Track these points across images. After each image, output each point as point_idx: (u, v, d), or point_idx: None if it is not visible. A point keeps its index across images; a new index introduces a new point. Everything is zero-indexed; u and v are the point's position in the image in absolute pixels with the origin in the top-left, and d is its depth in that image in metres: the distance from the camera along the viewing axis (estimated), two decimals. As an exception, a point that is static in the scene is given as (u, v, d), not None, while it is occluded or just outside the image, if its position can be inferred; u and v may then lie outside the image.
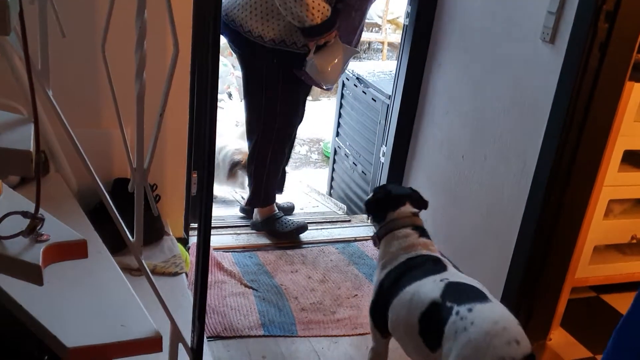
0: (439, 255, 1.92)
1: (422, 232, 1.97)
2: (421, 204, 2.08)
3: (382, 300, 1.89)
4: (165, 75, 1.24)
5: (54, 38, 1.24)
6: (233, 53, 2.85)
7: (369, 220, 2.18)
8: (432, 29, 2.90)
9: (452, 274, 1.81)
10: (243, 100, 2.91)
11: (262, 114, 2.80)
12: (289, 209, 3.33)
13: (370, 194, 2.17)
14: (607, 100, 2.17)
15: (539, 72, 2.26)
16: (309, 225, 3.15)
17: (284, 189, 3.27)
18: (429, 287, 1.73)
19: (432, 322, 1.68)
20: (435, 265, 1.85)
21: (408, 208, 2.01)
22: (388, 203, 2.04)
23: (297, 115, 2.91)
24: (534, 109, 2.29)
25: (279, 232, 3.05)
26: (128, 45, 1.24)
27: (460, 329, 1.56)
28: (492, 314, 1.58)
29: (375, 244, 2.07)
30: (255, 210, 3.10)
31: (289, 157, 3.16)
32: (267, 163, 2.92)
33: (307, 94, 2.98)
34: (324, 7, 2.45)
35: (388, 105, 3.22)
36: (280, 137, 2.87)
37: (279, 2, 2.46)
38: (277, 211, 3.11)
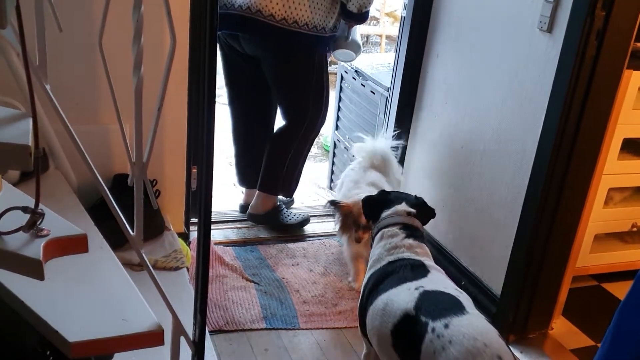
0: (423, 259, 1.81)
1: (412, 232, 1.88)
2: (424, 210, 1.99)
3: (362, 305, 1.83)
4: (162, 69, 1.24)
5: (50, 33, 1.24)
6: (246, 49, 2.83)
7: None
8: (429, 20, 2.90)
9: (430, 281, 1.71)
10: (278, 93, 2.95)
11: (312, 99, 2.89)
12: (289, 202, 3.33)
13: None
14: (605, 88, 2.17)
15: (537, 62, 2.26)
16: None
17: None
18: (403, 297, 1.65)
19: (406, 337, 1.59)
20: (413, 271, 1.75)
21: (403, 207, 1.95)
22: (384, 202, 1.99)
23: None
24: (532, 98, 2.29)
25: (284, 224, 3.06)
26: (125, 39, 1.24)
27: (438, 349, 1.47)
28: (470, 329, 1.49)
29: (371, 246, 2.00)
30: (256, 202, 3.06)
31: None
32: (305, 150, 3.04)
33: None
34: None
35: (387, 97, 3.22)
36: (322, 123, 3.01)
37: None
38: (280, 203, 3.12)
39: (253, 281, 2.62)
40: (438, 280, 1.73)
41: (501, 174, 2.49)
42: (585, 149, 2.23)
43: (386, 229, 1.90)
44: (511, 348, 2.40)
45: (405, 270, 1.76)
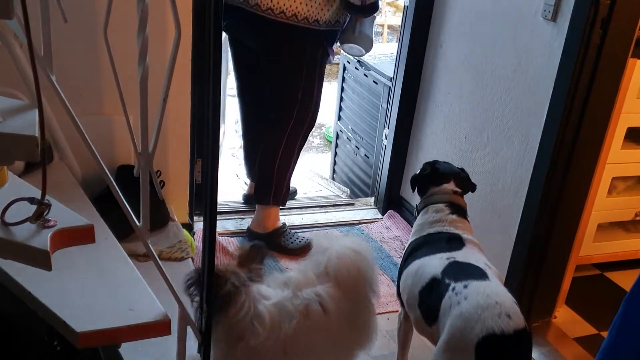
0: (461, 232, 1.92)
1: (456, 209, 1.98)
2: (468, 185, 2.09)
3: (400, 269, 1.96)
4: (166, 60, 1.24)
5: (54, 24, 1.24)
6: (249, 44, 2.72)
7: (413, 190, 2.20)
8: (432, 9, 2.89)
9: (464, 254, 1.82)
10: (267, 86, 2.76)
11: (299, 99, 2.68)
12: (291, 193, 3.26)
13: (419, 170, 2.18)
14: (609, 77, 2.16)
15: (541, 51, 2.25)
16: (312, 208, 3.16)
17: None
18: (434, 264, 1.78)
19: (430, 297, 1.73)
20: (448, 243, 1.87)
21: (451, 186, 2.03)
22: (432, 179, 2.06)
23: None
24: (536, 87, 2.29)
25: (285, 247, 2.83)
26: (129, 29, 1.24)
27: (454, 302, 1.61)
28: (487, 289, 1.61)
29: (415, 217, 2.12)
30: (257, 217, 2.87)
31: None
32: (294, 155, 2.81)
33: None
34: None
35: (390, 87, 3.21)
36: (313, 122, 2.80)
37: None
38: (283, 223, 2.91)
39: (257, 271, 2.63)
40: (470, 254, 1.83)
41: (505, 164, 2.49)
42: (589, 138, 2.23)
43: (432, 205, 2.00)
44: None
45: (442, 241, 1.89)
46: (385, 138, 3.24)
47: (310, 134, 2.92)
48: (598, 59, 2.10)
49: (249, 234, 2.88)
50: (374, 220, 3.22)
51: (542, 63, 2.25)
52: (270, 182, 2.80)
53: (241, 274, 1.68)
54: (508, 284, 2.46)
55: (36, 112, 1.12)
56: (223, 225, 2.96)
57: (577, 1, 2.08)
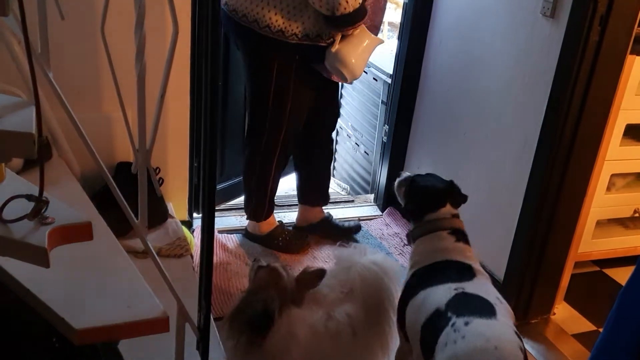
0: (473, 263, 1.77)
1: (461, 236, 1.84)
2: (460, 199, 1.95)
3: (402, 301, 1.81)
4: (164, 56, 1.24)
5: (52, 20, 1.24)
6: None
7: (402, 215, 2.08)
8: (432, 6, 2.88)
9: (474, 285, 1.68)
10: (248, 101, 2.64)
11: (270, 115, 2.50)
12: (355, 228, 3.02)
13: (402, 188, 2.01)
14: (608, 74, 2.16)
15: (540, 47, 2.25)
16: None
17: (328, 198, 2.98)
18: (440, 294, 1.63)
19: (431, 331, 1.58)
20: (459, 273, 1.72)
21: (448, 209, 1.88)
22: (427, 203, 1.89)
23: (299, 116, 2.59)
24: (535, 84, 2.29)
25: (283, 249, 2.79)
26: (127, 26, 1.24)
27: (450, 340, 1.46)
28: (488, 331, 1.46)
29: (408, 243, 1.96)
30: (252, 223, 2.83)
31: (330, 157, 2.91)
32: (272, 172, 2.65)
33: (334, 91, 2.72)
34: None
35: (389, 84, 3.21)
36: (287, 139, 2.59)
37: None
38: (279, 223, 2.85)
39: (256, 268, 2.63)
40: (481, 285, 1.69)
41: (504, 160, 2.49)
42: (588, 135, 2.23)
43: (434, 233, 1.84)
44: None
45: (451, 271, 1.74)
46: (385, 135, 3.24)
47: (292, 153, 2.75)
48: (597, 55, 2.10)
49: (245, 234, 2.86)
50: (373, 217, 3.22)
51: (541, 59, 2.25)
52: (248, 195, 2.73)
53: (276, 298, 1.72)
54: (507, 280, 2.47)
55: (34, 109, 1.12)
56: (223, 222, 2.97)
57: (576, -2, 2.08)
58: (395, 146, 3.19)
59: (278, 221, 2.85)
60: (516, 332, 1.49)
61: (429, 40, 2.95)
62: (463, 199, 1.96)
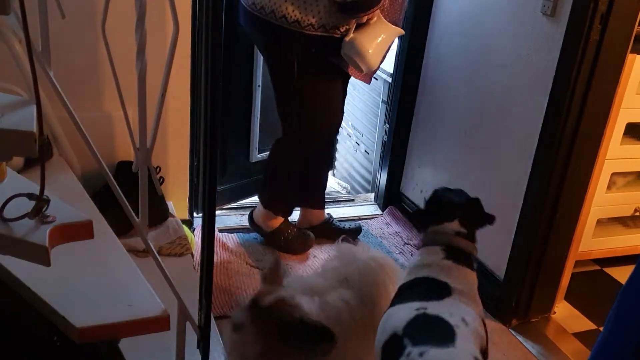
0: (451, 282, 1.61)
1: (452, 254, 1.68)
2: (480, 220, 1.78)
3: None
4: (164, 56, 1.24)
5: (52, 19, 1.24)
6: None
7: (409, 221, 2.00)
8: (432, 4, 2.88)
9: (439, 305, 1.53)
10: (275, 97, 2.60)
11: (293, 110, 2.50)
12: (356, 230, 3.00)
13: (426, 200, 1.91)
14: (609, 73, 2.16)
15: (540, 46, 2.25)
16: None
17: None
18: (401, 315, 1.52)
19: (389, 356, 1.47)
20: (430, 291, 1.59)
21: (453, 225, 1.72)
22: (433, 214, 1.78)
23: (332, 111, 2.57)
24: (536, 83, 2.29)
25: (285, 248, 2.76)
26: (128, 25, 1.24)
27: None
28: None
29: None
30: (260, 212, 2.79)
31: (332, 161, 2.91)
32: (292, 164, 2.64)
33: (346, 86, 2.64)
34: None
35: (390, 83, 3.21)
36: (313, 136, 2.56)
37: None
38: (282, 222, 2.79)
39: (257, 267, 2.63)
40: (448, 305, 1.54)
41: (504, 159, 2.49)
42: (589, 134, 2.23)
43: (428, 247, 1.73)
44: (514, 332, 2.43)
45: (423, 288, 1.62)
46: (386, 134, 3.24)
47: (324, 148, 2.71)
48: (597, 54, 2.10)
49: (250, 221, 2.84)
50: (374, 216, 3.22)
51: (541, 58, 2.25)
52: (265, 183, 2.74)
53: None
54: (508, 279, 2.47)
55: (35, 107, 1.12)
56: (223, 221, 2.97)
57: (576, -4, 2.08)
58: (396, 145, 3.19)
59: (284, 220, 2.82)
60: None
61: (429, 39, 2.95)
62: (483, 218, 1.80)
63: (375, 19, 2.28)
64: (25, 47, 1.04)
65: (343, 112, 2.68)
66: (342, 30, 2.30)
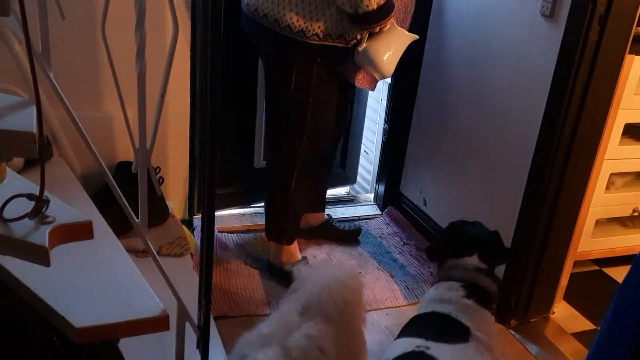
0: (473, 328, 1.49)
1: (476, 292, 1.57)
2: (499, 255, 1.69)
3: None
4: (164, 56, 1.25)
5: (52, 20, 1.24)
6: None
7: (428, 257, 1.83)
8: (431, 5, 2.88)
9: (447, 350, 1.42)
10: (265, 108, 2.52)
11: (292, 124, 2.36)
12: (355, 232, 2.99)
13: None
14: (607, 73, 2.16)
15: (539, 47, 2.26)
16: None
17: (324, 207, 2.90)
18: (397, 348, 1.44)
19: None
20: (443, 330, 1.47)
21: (473, 261, 1.62)
22: (452, 247, 1.68)
23: (336, 123, 2.46)
24: (535, 83, 2.29)
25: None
26: (127, 26, 1.25)
27: None
28: None
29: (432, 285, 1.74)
30: (274, 247, 2.62)
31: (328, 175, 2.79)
32: (291, 186, 2.45)
33: (349, 96, 2.55)
34: None
35: (389, 84, 3.21)
36: (313, 153, 2.42)
37: None
38: (299, 260, 2.61)
39: (256, 268, 2.64)
40: (459, 354, 1.43)
41: (503, 160, 2.49)
42: (587, 135, 2.23)
43: (446, 282, 1.61)
44: (512, 332, 2.44)
45: (436, 325, 1.50)
46: (385, 134, 3.24)
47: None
48: (596, 55, 2.10)
49: (268, 266, 2.62)
50: (373, 217, 3.23)
51: (540, 59, 2.26)
52: (268, 212, 2.61)
53: None
54: (507, 279, 2.48)
55: (34, 108, 1.13)
56: (223, 221, 2.97)
57: (575, -3, 2.08)
58: (395, 145, 3.19)
59: (303, 257, 2.65)
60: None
61: (428, 40, 2.95)
62: (503, 254, 1.73)
63: (388, 26, 2.20)
64: (24, 47, 1.05)
65: (347, 121, 2.61)
66: (348, 39, 2.22)
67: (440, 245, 1.74)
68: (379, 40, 2.21)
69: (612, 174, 2.62)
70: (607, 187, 2.65)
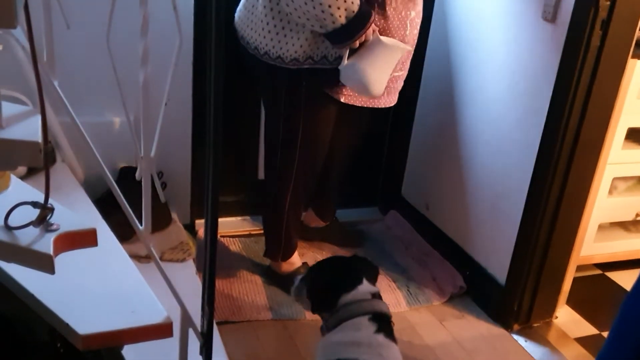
0: None
1: (384, 325, 1.48)
2: (374, 273, 1.64)
3: None
4: (168, 63, 1.26)
5: (57, 28, 1.25)
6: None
7: (312, 310, 1.65)
8: (433, 9, 2.89)
9: None
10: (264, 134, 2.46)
11: (285, 147, 2.28)
12: (359, 235, 2.98)
13: (304, 288, 1.68)
14: (609, 78, 2.17)
15: (541, 51, 2.26)
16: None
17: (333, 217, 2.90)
18: None
19: None
20: None
21: (366, 287, 1.54)
22: (339, 283, 1.55)
23: (322, 147, 2.37)
24: (537, 87, 2.29)
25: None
26: (131, 34, 1.25)
27: None
28: None
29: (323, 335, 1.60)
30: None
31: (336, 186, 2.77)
32: (286, 208, 2.42)
33: (354, 114, 2.37)
34: (345, 1, 1.85)
35: (391, 87, 3.21)
36: (301, 175, 2.35)
37: (289, 9, 1.92)
38: (300, 265, 2.60)
39: (258, 273, 2.64)
40: None
41: (505, 164, 2.50)
42: (590, 139, 2.24)
43: (350, 321, 1.49)
44: (515, 337, 2.44)
45: None
46: (386, 138, 3.25)
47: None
48: (598, 59, 2.11)
49: (267, 270, 2.64)
50: (375, 220, 3.23)
51: (542, 64, 2.26)
52: (265, 230, 2.59)
53: None
54: (509, 284, 2.48)
55: (39, 117, 1.13)
56: (225, 226, 2.97)
57: (577, 2, 2.08)
58: (397, 149, 3.19)
59: (303, 262, 2.63)
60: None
61: (429, 43, 2.95)
62: (375, 271, 1.66)
63: (370, 38, 1.99)
64: (29, 55, 1.05)
65: (354, 137, 2.58)
66: (331, 59, 2.07)
67: (325, 290, 1.58)
68: (361, 55, 1.99)
69: (614, 179, 2.63)
70: (610, 192, 2.65)
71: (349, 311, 1.49)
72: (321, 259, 2.77)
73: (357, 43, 1.97)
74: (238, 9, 2.23)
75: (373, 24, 1.98)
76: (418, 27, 2.24)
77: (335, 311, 1.52)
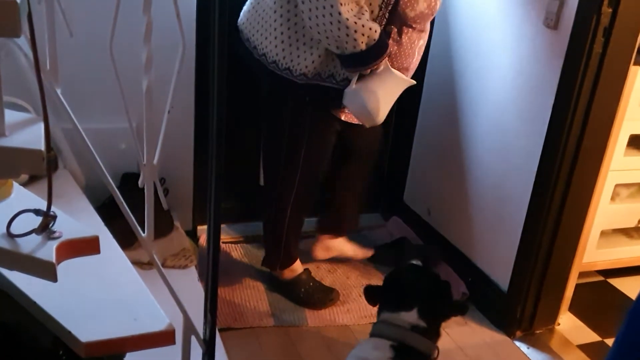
0: None
1: (404, 356, 1.39)
2: (445, 308, 1.50)
3: None
4: (171, 70, 1.26)
5: (60, 35, 1.25)
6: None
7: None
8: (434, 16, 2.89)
9: None
10: (262, 143, 2.45)
11: (283, 159, 2.27)
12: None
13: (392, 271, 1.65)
14: (612, 85, 2.17)
15: (543, 58, 2.26)
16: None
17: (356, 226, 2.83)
18: None
19: None
20: None
21: (410, 317, 1.43)
22: (389, 296, 1.51)
23: (323, 161, 2.34)
24: (538, 95, 2.29)
25: (302, 300, 2.49)
26: (134, 41, 1.25)
27: None
28: None
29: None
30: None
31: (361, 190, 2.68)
32: (286, 218, 2.39)
33: (349, 133, 2.33)
34: (370, 28, 1.85)
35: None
36: (302, 188, 2.33)
37: (311, 23, 1.86)
38: (302, 272, 2.57)
39: (260, 279, 2.63)
40: None
41: (507, 171, 2.49)
42: (592, 146, 2.24)
43: (374, 339, 1.45)
44: (517, 343, 2.43)
45: None
46: (389, 144, 3.25)
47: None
48: (600, 67, 2.11)
49: (270, 277, 2.62)
50: (376, 226, 3.22)
51: (544, 71, 2.26)
52: (264, 239, 2.58)
53: None
54: (512, 291, 2.47)
55: (42, 124, 1.13)
56: (227, 232, 2.97)
57: (579, 9, 2.08)
58: (399, 155, 3.19)
59: (305, 269, 2.60)
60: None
61: (432, 49, 2.96)
62: (451, 308, 1.54)
63: (381, 67, 1.98)
64: (31, 62, 1.06)
65: (366, 154, 2.54)
66: (338, 79, 2.04)
67: (377, 292, 1.55)
68: (370, 82, 1.97)
69: (617, 185, 2.63)
70: (612, 198, 2.65)
71: (378, 329, 1.47)
72: (323, 266, 2.77)
73: (369, 70, 1.97)
74: (245, 9, 2.17)
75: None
76: (422, 54, 2.25)
77: (377, 321, 1.51)
